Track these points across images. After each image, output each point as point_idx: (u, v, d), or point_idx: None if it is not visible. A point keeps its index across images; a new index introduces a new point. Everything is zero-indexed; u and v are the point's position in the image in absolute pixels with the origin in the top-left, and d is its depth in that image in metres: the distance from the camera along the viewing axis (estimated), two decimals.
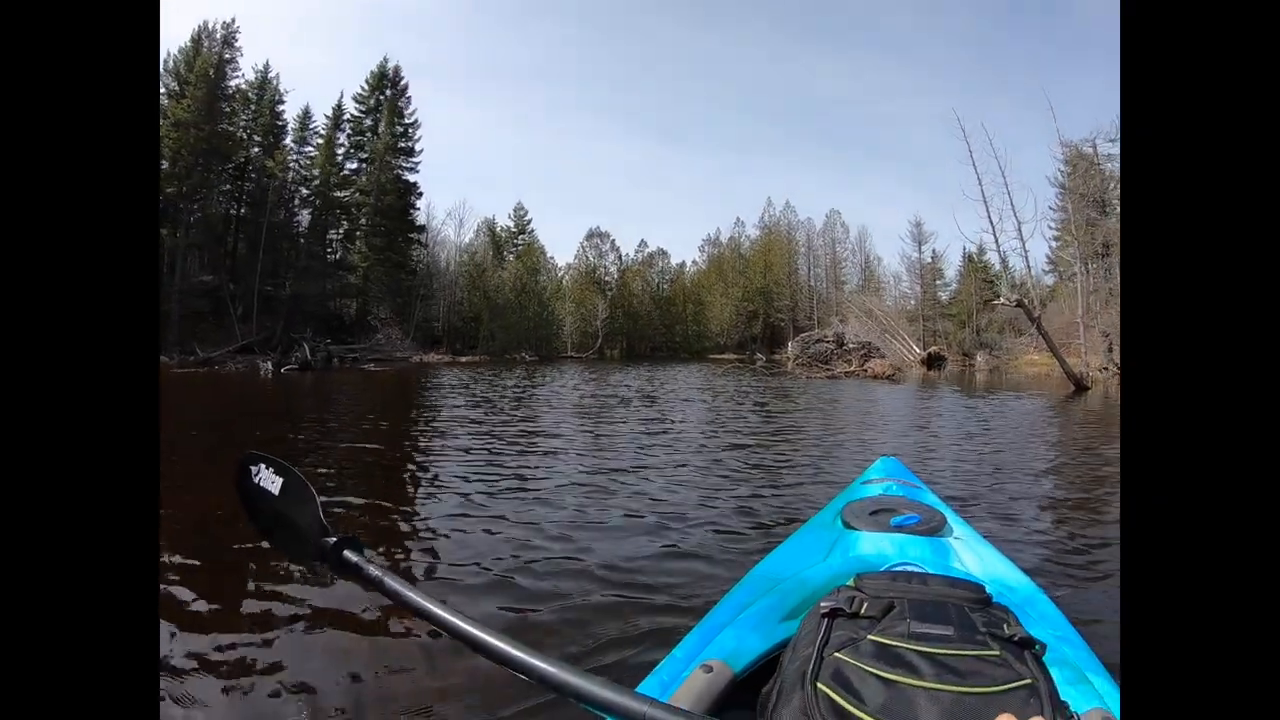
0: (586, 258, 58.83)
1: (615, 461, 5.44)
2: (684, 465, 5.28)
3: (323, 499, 0.86)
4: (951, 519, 1.56)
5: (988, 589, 0.93)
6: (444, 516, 3.65)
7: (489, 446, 6.15)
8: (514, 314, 48.31)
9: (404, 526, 3.59)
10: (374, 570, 0.80)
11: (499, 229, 57.01)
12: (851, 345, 24.32)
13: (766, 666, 0.98)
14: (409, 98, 43.90)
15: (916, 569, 1.20)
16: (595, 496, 4.14)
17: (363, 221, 41.38)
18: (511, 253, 55.43)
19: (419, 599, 0.75)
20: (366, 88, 43.06)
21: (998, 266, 54.68)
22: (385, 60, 43.52)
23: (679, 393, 13.50)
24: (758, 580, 1.34)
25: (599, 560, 2.83)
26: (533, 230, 57.39)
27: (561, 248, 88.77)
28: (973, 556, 1.36)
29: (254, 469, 0.94)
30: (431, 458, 5.82)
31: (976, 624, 0.81)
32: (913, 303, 50.50)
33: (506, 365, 30.22)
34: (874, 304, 36.59)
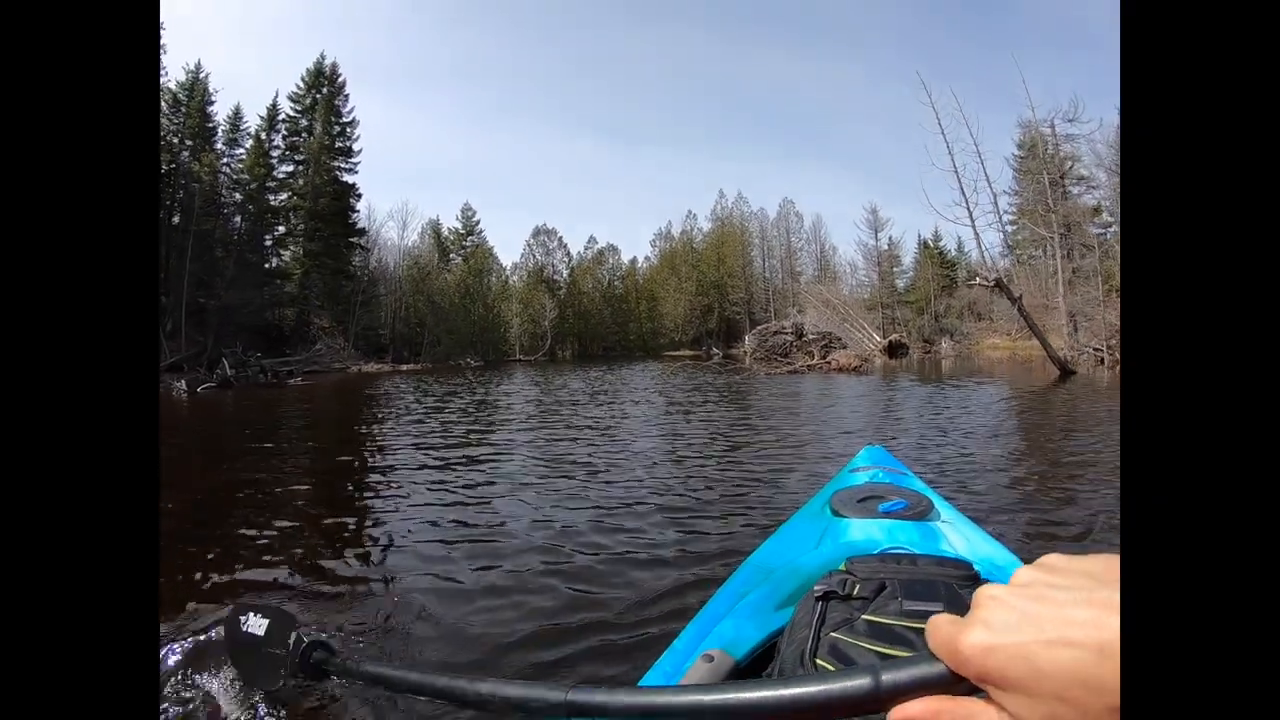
0: (533, 256, 56.84)
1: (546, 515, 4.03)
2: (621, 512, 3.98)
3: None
4: (938, 503, 1.56)
5: (976, 567, 0.97)
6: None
7: (407, 481, 4.97)
8: (459, 318, 46.26)
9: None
10: (339, 661, 0.90)
11: (446, 231, 55.02)
12: (811, 336, 22.78)
13: (766, 653, 1.02)
14: (346, 95, 41.70)
15: (906, 551, 1.20)
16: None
17: (299, 226, 39.14)
18: (459, 254, 53.33)
19: (388, 672, 0.85)
20: (303, 86, 40.75)
21: (964, 247, 54.88)
22: (322, 56, 41.34)
23: (618, 411, 11.70)
24: (752, 570, 1.37)
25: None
26: (481, 231, 55.40)
27: (508, 248, 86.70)
28: (960, 538, 1.35)
29: (243, 619, 1.11)
30: (332, 498, 4.64)
31: (965, 600, 0.81)
32: (870, 291, 49.67)
33: (449, 373, 28.35)
34: (832, 293, 35.28)
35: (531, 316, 51.57)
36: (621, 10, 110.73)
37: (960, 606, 0.77)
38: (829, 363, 18.20)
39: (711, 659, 0.96)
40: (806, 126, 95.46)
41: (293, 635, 1.03)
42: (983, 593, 0.35)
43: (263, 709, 1.62)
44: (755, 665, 1.00)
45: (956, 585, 0.90)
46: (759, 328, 26.72)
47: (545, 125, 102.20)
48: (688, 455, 5.72)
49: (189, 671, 1.83)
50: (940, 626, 0.35)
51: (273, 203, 39.02)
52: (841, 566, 0.98)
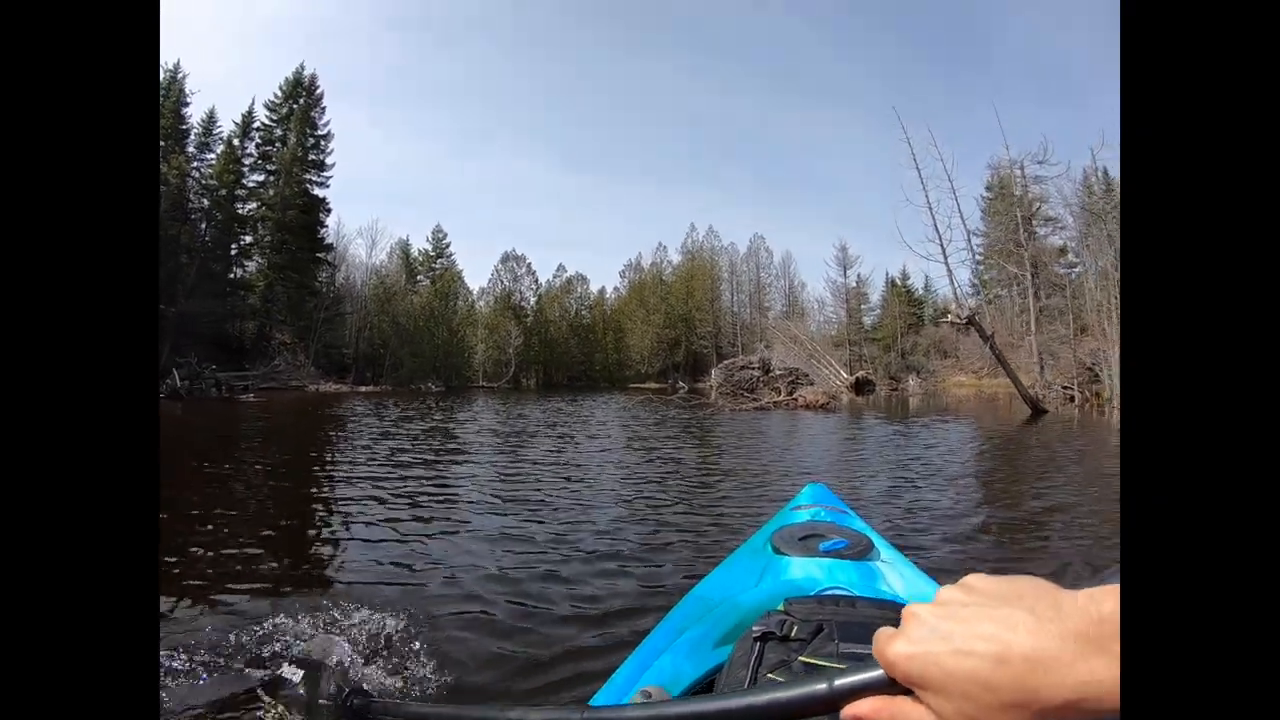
0: (501, 282, 56.14)
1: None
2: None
3: None
4: (878, 543, 1.55)
5: None
6: None
7: (349, 514, 4.69)
8: (423, 340, 45.29)
9: None
10: (379, 703, 0.95)
11: (416, 252, 54.20)
12: (778, 372, 22.35)
13: (703, 691, 1.00)
14: (324, 108, 41.13)
15: (845, 592, 1.20)
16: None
17: (265, 237, 38.16)
18: (427, 276, 52.49)
19: (429, 710, 0.93)
20: (280, 95, 40.04)
21: (931, 285, 55.38)
22: (302, 67, 40.70)
23: (577, 453, 10.84)
24: (691, 606, 1.36)
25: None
26: (452, 254, 54.68)
27: (477, 274, 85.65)
28: (898, 578, 1.34)
29: (284, 676, 1.17)
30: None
31: None
32: (837, 328, 49.73)
33: (409, 397, 27.39)
34: (799, 329, 35.05)
35: (497, 343, 50.74)
36: (603, 43, 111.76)
37: None
38: (796, 399, 17.62)
39: (649, 695, 0.92)
40: (779, 165, 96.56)
41: (332, 684, 1.08)
42: (909, 610, 0.41)
43: None
44: None
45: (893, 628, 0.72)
46: (725, 362, 26.22)
47: (519, 152, 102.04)
48: (645, 504, 5.20)
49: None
50: (880, 638, 0.41)
51: (241, 211, 38.10)
52: (780, 607, 1.00)
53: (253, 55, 77.91)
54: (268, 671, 1.18)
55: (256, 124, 39.31)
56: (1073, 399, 18.51)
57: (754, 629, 0.91)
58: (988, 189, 30.06)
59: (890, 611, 0.95)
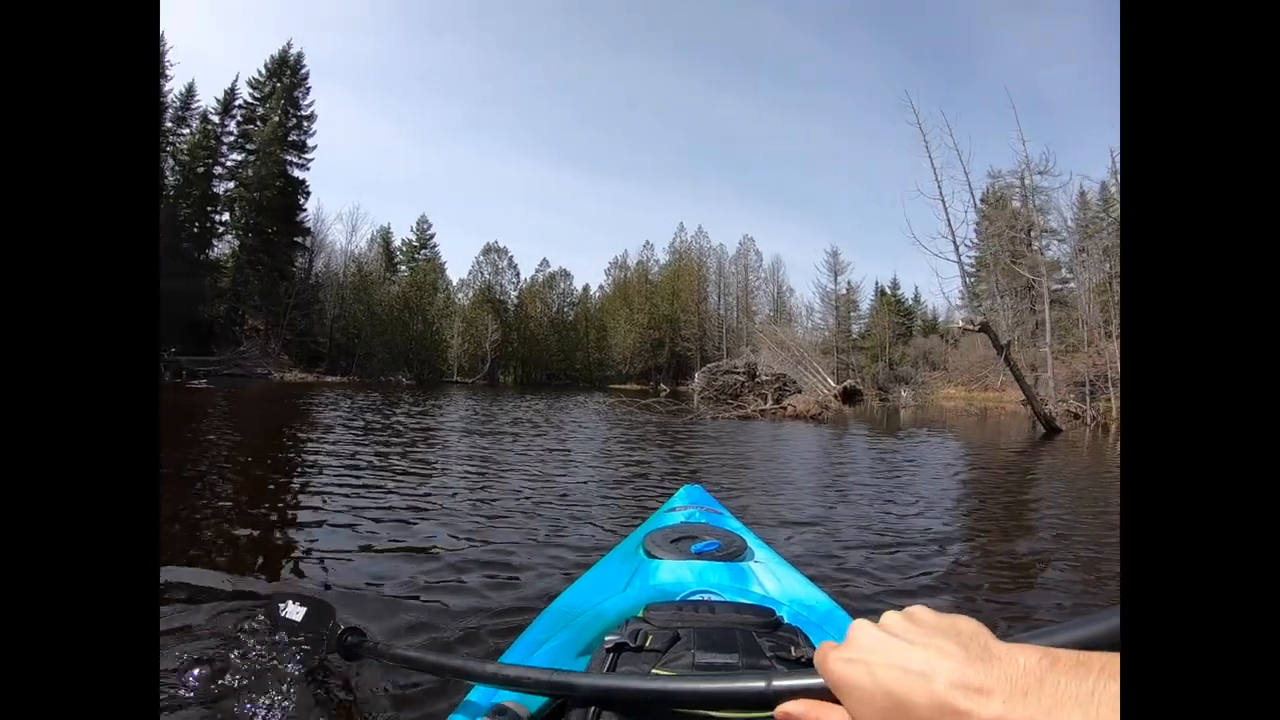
0: (481, 274, 54.56)
1: None
2: None
3: None
4: (752, 543, 1.56)
5: (781, 610, 1.02)
6: None
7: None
8: (397, 331, 43.74)
9: None
10: (371, 643, 1.02)
11: (400, 242, 52.88)
12: (764, 378, 21.01)
13: (561, 707, 0.96)
14: (308, 88, 39.98)
15: (711, 596, 1.18)
16: None
17: (241, 218, 36.69)
18: (410, 267, 51.03)
19: (423, 656, 0.95)
20: (264, 73, 38.82)
21: (920, 296, 54.33)
22: (289, 45, 39.55)
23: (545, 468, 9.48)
24: (556, 615, 1.31)
25: None
26: (435, 246, 53.20)
27: (456, 265, 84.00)
28: (771, 579, 1.34)
29: (282, 606, 1.26)
30: None
31: (763, 648, 0.85)
32: (825, 334, 48.60)
33: (376, 390, 25.66)
34: (787, 334, 33.79)
35: (474, 337, 49.20)
36: (595, 40, 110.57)
37: (757, 655, 0.83)
38: (784, 408, 16.19)
39: (504, 712, 0.90)
40: (772, 173, 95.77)
41: (330, 621, 1.13)
42: (855, 624, 0.46)
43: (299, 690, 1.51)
44: (551, 718, 0.92)
45: (755, 633, 0.89)
46: (709, 365, 24.87)
47: (507, 146, 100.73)
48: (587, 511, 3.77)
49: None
50: (822, 649, 0.46)
51: (216, 190, 36.94)
52: (640, 614, 0.99)
53: (238, 32, 76.13)
54: (267, 602, 1.18)
55: (239, 101, 38.13)
56: (1077, 416, 17.21)
57: (608, 640, 0.88)
58: (982, 200, 28.96)
59: (753, 616, 0.95)
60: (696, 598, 1.16)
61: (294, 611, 1.23)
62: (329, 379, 34.24)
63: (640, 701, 0.66)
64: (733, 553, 1.43)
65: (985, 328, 12.65)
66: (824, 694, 0.45)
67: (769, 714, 0.49)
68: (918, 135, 17.56)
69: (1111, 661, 0.33)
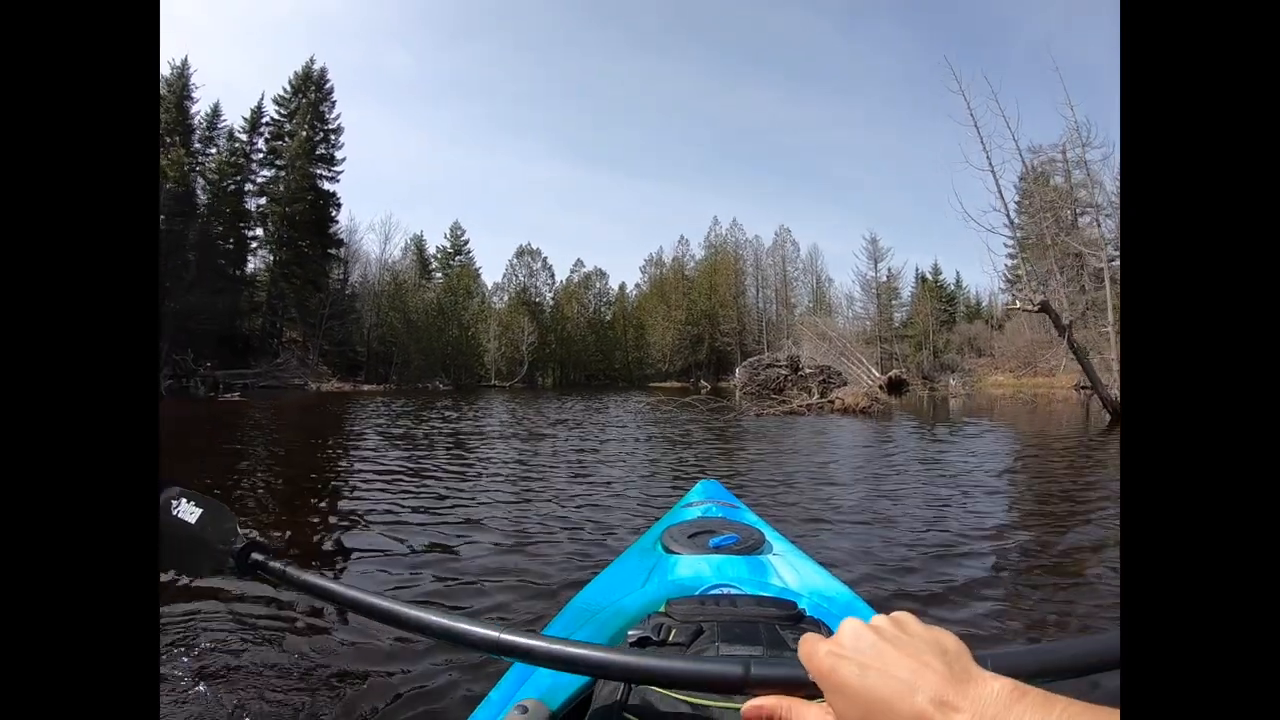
0: (516, 277, 54.55)
1: None
2: None
3: None
4: (770, 536, 1.53)
5: (802, 603, 1.01)
6: None
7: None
8: (433, 337, 43.91)
9: None
10: (277, 565, 0.88)
11: (435, 249, 53.46)
12: (808, 370, 20.31)
13: (585, 703, 0.96)
14: (333, 101, 40.63)
15: (733, 589, 1.17)
16: None
17: (273, 232, 37.60)
18: (445, 273, 51.38)
19: (321, 582, 0.84)
20: (289, 89, 39.59)
21: (961, 281, 52.72)
22: (312, 60, 40.25)
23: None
24: (576, 612, 1.28)
25: None
26: (470, 251, 53.48)
27: (491, 269, 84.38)
28: (791, 572, 1.32)
29: (174, 502, 1.00)
30: None
31: (786, 641, 0.85)
32: (868, 324, 47.50)
33: (414, 396, 25.75)
34: (828, 326, 32.94)
35: (510, 340, 49.18)
36: (621, 40, 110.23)
37: (781, 648, 0.83)
38: (832, 402, 15.41)
39: (525, 710, 0.87)
40: (804, 163, 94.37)
41: (229, 529, 0.97)
42: (846, 621, 0.46)
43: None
44: (573, 715, 0.90)
45: (778, 626, 0.89)
46: (750, 359, 24.25)
47: (539, 149, 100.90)
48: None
49: None
50: (808, 640, 0.46)
51: (248, 207, 37.70)
52: (662, 609, 0.99)
53: (270, 53, 77.33)
54: (164, 498, 0.94)
55: (266, 119, 38.83)
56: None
57: (631, 634, 0.89)
58: (1020, 179, 27.68)
59: (775, 609, 0.95)
60: (716, 592, 1.15)
61: (187, 511, 0.99)
62: (366, 387, 34.50)
63: (603, 674, 0.63)
64: (751, 546, 1.42)
65: (1045, 307, 11.78)
66: (802, 684, 0.45)
67: (746, 700, 0.48)
68: (960, 104, 16.41)
69: (1071, 706, 0.34)
